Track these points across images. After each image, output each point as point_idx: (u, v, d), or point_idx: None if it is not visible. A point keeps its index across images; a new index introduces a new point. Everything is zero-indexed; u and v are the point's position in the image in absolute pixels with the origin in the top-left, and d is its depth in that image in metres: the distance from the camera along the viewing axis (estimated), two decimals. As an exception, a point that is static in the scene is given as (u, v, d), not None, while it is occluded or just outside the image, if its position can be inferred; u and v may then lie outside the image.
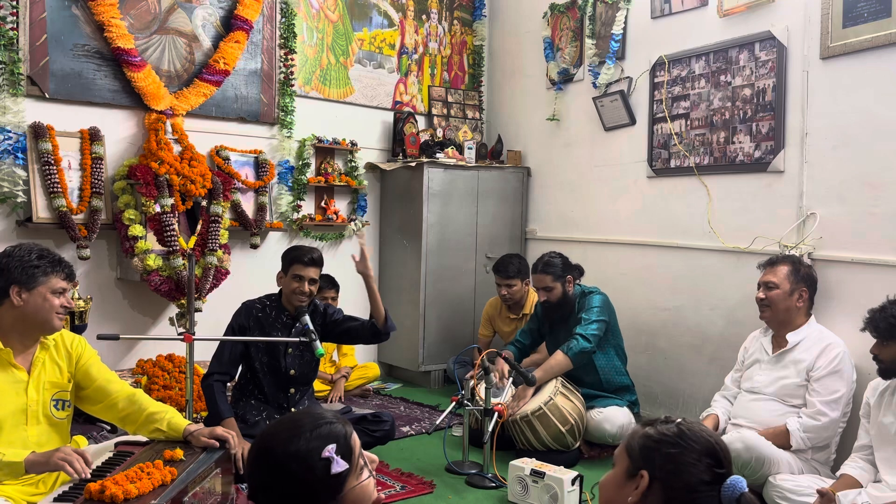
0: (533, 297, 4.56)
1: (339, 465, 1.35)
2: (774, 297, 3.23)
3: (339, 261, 5.04)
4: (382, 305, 3.43)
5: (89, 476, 2.09)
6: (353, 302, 5.03)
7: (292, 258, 3.36)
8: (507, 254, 4.63)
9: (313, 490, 1.34)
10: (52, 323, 2.32)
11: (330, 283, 4.54)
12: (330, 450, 1.35)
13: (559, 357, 3.67)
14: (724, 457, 1.38)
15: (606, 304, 3.83)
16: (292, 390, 3.41)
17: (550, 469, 2.99)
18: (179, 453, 2.27)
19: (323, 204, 4.97)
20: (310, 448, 1.34)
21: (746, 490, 1.33)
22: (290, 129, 4.75)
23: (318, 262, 3.37)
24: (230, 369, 3.33)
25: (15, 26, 3.70)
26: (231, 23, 4.42)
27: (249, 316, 3.37)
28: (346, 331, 3.47)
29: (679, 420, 1.43)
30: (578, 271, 3.97)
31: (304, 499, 1.34)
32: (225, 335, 3.36)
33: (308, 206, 4.90)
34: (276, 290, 3.47)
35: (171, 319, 4.10)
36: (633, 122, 4.52)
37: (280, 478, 1.33)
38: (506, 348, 4.06)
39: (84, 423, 3.47)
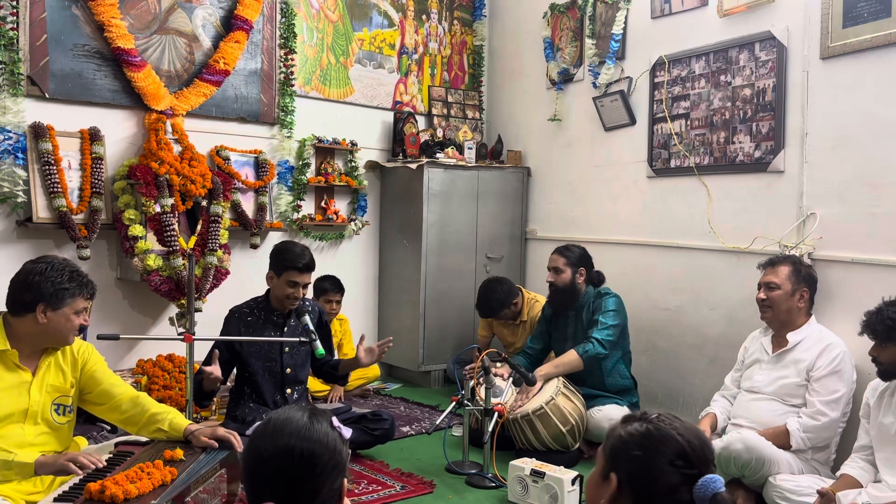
0: (529, 305, 4.55)
1: (347, 431, 1.44)
2: (776, 298, 3.22)
3: (340, 261, 5.05)
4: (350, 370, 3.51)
5: (104, 464, 2.15)
6: (354, 302, 5.04)
7: (286, 264, 3.28)
8: (485, 285, 4.52)
9: (342, 464, 1.40)
10: (68, 340, 2.37)
11: (336, 287, 4.53)
12: (335, 420, 1.44)
13: (573, 356, 3.70)
14: (697, 456, 1.31)
15: (621, 307, 3.85)
16: (289, 390, 3.41)
17: (550, 469, 2.98)
18: (179, 453, 2.27)
19: (323, 204, 4.97)
20: (324, 428, 1.40)
21: (721, 489, 1.28)
22: (290, 129, 4.75)
23: (311, 266, 3.32)
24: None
25: (15, 26, 3.70)
26: (231, 23, 4.42)
27: (241, 322, 3.33)
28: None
29: (654, 416, 1.37)
30: (598, 276, 3.97)
31: (331, 479, 1.38)
32: (213, 349, 3.31)
33: (308, 206, 4.90)
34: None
35: (171, 319, 4.10)
36: (633, 122, 4.51)
37: (312, 467, 1.36)
38: (515, 358, 4.02)
39: (84, 423, 3.47)
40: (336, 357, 3.63)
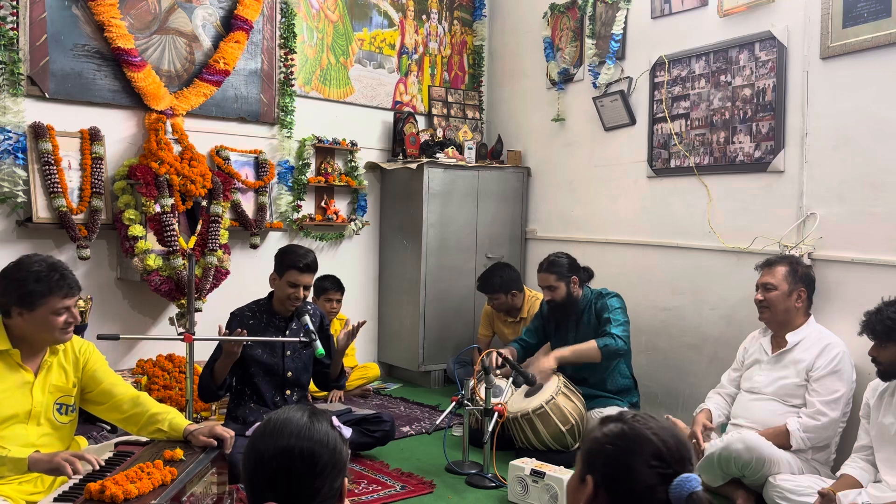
0: (530, 303, 4.56)
1: (347, 431, 1.44)
2: (773, 299, 3.22)
3: (340, 261, 5.05)
4: (340, 365, 3.55)
5: (101, 464, 2.15)
6: (354, 302, 5.04)
7: (288, 263, 3.30)
8: (493, 265, 4.65)
9: (342, 464, 1.39)
10: (57, 339, 2.32)
11: (336, 286, 4.53)
12: (335, 420, 1.43)
13: (592, 345, 3.68)
14: (672, 456, 1.28)
15: (625, 305, 3.86)
16: (288, 391, 3.42)
17: (550, 469, 2.99)
18: (179, 453, 2.27)
19: (323, 204, 4.97)
20: (324, 428, 1.39)
21: (697, 489, 1.25)
22: (290, 129, 4.75)
23: (313, 267, 3.34)
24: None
25: (15, 26, 3.70)
26: (231, 23, 4.42)
27: (242, 325, 3.31)
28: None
29: (630, 417, 1.34)
30: (587, 274, 3.97)
31: (331, 478, 1.37)
32: (218, 348, 3.32)
33: (308, 206, 4.90)
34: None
35: (171, 319, 4.10)
36: (633, 122, 4.51)
37: (313, 466, 1.35)
38: (510, 345, 4.06)
39: (84, 422, 3.47)
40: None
